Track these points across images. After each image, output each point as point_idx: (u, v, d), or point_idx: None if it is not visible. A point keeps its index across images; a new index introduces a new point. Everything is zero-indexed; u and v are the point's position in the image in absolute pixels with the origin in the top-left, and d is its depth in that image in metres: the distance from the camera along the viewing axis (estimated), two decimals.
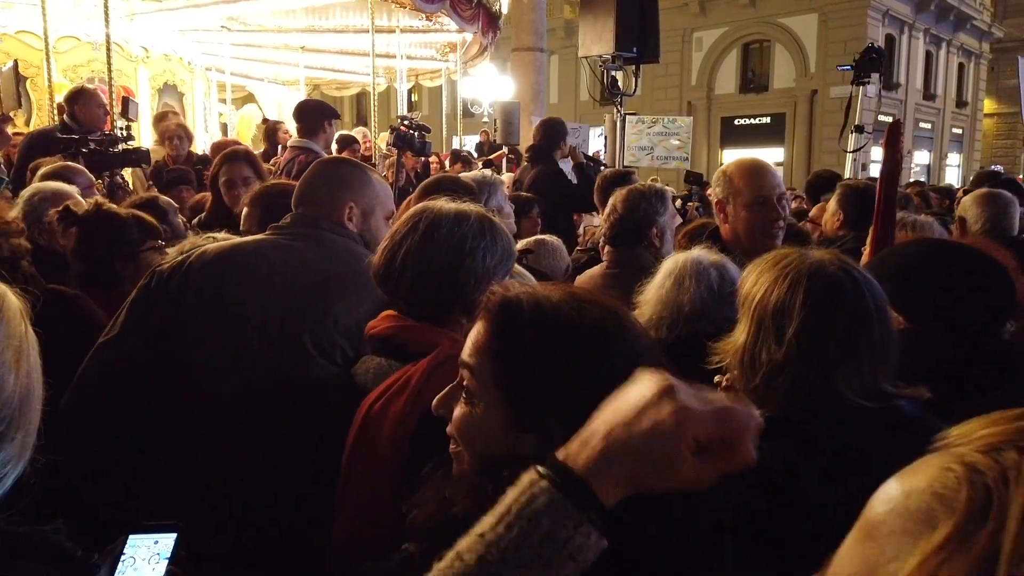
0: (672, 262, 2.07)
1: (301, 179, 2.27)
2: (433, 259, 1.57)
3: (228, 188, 3.53)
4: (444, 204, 1.65)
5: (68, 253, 2.50)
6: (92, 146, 4.36)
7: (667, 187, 3.30)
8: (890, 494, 0.48)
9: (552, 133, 5.83)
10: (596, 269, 2.95)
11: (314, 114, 5.44)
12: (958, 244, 2.13)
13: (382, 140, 8.64)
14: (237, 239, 2.15)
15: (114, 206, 2.69)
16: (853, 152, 7.67)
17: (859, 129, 7.56)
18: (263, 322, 1.93)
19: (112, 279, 2.46)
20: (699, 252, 2.08)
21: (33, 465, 0.92)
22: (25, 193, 3.03)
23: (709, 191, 9.86)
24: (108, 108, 5.74)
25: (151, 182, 5.66)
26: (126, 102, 5.93)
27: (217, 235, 2.20)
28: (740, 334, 1.38)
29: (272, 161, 5.91)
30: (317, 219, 2.09)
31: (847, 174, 7.79)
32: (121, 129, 5.09)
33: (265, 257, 2.02)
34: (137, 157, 4.68)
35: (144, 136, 8.65)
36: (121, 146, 4.60)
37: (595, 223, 4.30)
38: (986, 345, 1.56)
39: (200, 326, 1.94)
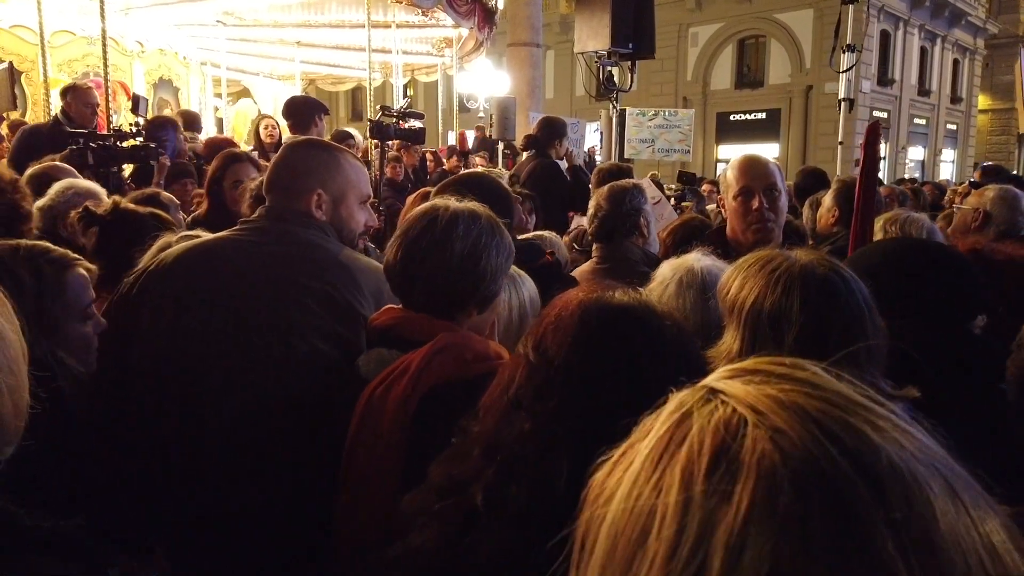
0: (670, 268, 2.00)
1: (271, 164, 2.16)
2: (454, 256, 1.63)
3: (235, 190, 3.47)
4: (455, 203, 1.70)
5: (88, 253, 2.49)
6: (100, 141, 4.36)
7: (657, 182, 3.34)
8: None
9: (552, 130, 5.90)
10: (586, 266, 2.98)
11: (303, 109, 5.52)
12: (931, 242, 2.17)
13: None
14: (195, 241, 2.06)
15: (131, 204, 2.68)
16: (844, 71, 7.78)
17: (850, 48, 7.69)
18: (234, 322, 1.86)
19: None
20: (695, 261, 1.98)
21: (56, 462, 0.93)
22: (58, 186, 3.05)
23: (703, 189, 9.88)
24: (99, 106, 5.73)
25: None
26: (137, 99, 5.98)
27: (198, 233, 2.16)
28: (732, 342, 1.34)
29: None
30: (283, 211, 2.02)
31: (839, 170, 7.85)
32: (132, 125, 5.10)
33: (225, 257, 1.96)
34: (146, 154, 4.68)
35: None
36: (130, 142, 4.60)
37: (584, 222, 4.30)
38: (957, 339, 1.60)
39: (165, 331, 1.88)
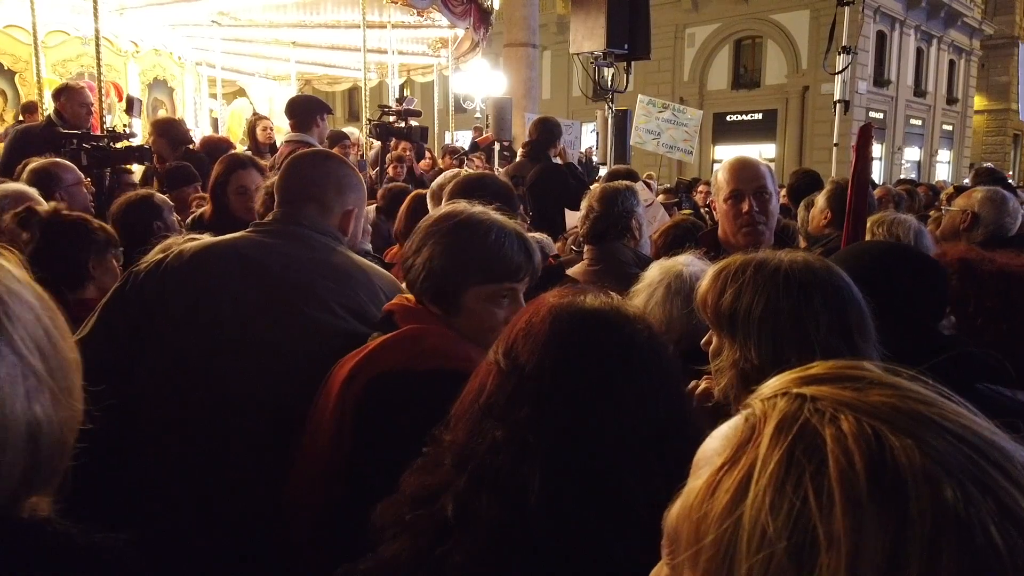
0: (659, 271, 1.99)
1: (293, 174, 2.14)
2: (424, 255, 1.66)
3: (240, 195, 3.40)
4: (471, 207, 1.71)
5: (27, 256, 2.45)
6: (93, 143, 4.35)
7: (651, 183, 3.33)
8: (707, 440, 0.61)
9: (548, 131, 5.89)
10: (577, 267, 2.97)
11: (306, 109, 5.48)
12: (898, 244, 2.22)
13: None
14: (215, 238, 2.07)
15: (74, 212, 2.65)
16: (839, 72, 7.80)
17: (846, 50, 7.71)
18: (250, 321, 1.87)
19: (81, 281, 2.42)
20: (684, 266, 1.97)
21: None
22: None
23: (697, 192, 9.82)
24: (93, 107, 5.69)
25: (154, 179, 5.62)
26: (131, 100, 5.97)
27: (198, 236, 2.15)
28: (735, 353, 1.30)
29: (272, 159, 5.88)
30: (299, 217, 2.03)
31: (834, 171, 7.86)
32: (125, 126, 5.08)
33: (247, 257, 1.96)
34: (140, 154, 4.66)
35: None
36: (123, 143, 4.59)
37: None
38: (928, 339, 1.63)
39: (182, 328, 1.88)
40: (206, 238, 2.12)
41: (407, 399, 1.16)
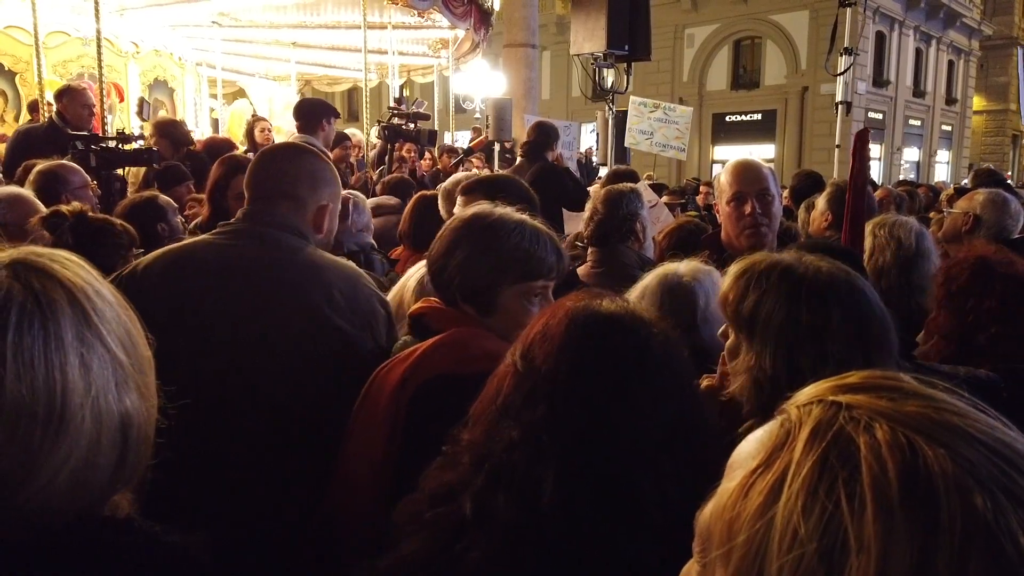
0: (654, 280, 1.98)
1: (264, 168, 2.06)
2: (452, 257, 1.68)
3: (239, 200, 3.27)
4: (500, 209, 1.71)
5: None
6: (102, 144, 4.35)
7: (648, 184, 3.33)
8: (741, 443, 0.62)
9: (545, 133, 5.92)
10: (581, 270, 2.98)
11: (312, 111, 5.50)
12: (807, 243, 2.27)
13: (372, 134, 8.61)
14: (172, 246, 2.02)
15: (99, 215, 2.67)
16: (841, 73, 7.82)
17: (847, 51, 7.74)
18: (222, 324, 1.83)
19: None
20: (667, 274, 1.97)
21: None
22: None
23: (700, 194, 9.87)
24: (94, 108, 5.68)
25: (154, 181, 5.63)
26: (142, 103, 5.98)
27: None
28: (753, 358, 1.30)
29: None
30: (264, 215, 1.97)
31: (835, 172, 7.87)
32: (136, 128, 5.09)
33: (207, 261, 1.91)
34: (149, 157, 4.66)
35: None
36: (133, 145, 4.59)
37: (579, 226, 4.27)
38: None
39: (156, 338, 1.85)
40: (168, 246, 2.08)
41: (456, 403, 1.18)
